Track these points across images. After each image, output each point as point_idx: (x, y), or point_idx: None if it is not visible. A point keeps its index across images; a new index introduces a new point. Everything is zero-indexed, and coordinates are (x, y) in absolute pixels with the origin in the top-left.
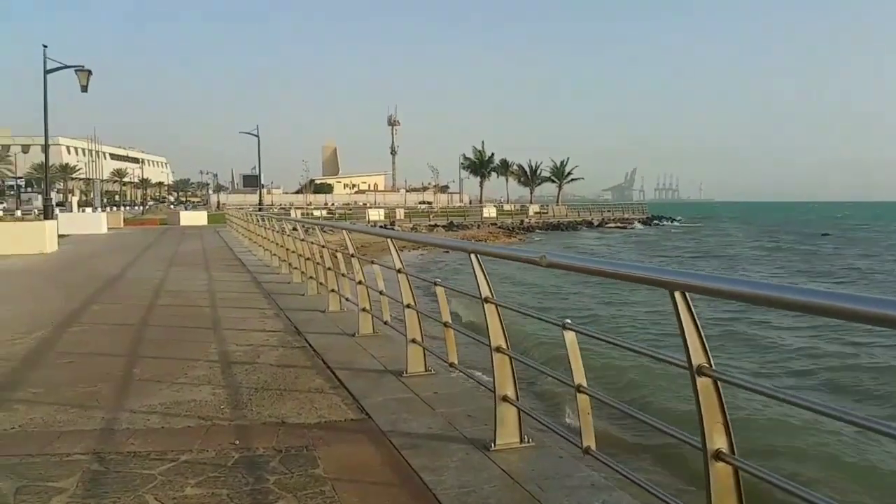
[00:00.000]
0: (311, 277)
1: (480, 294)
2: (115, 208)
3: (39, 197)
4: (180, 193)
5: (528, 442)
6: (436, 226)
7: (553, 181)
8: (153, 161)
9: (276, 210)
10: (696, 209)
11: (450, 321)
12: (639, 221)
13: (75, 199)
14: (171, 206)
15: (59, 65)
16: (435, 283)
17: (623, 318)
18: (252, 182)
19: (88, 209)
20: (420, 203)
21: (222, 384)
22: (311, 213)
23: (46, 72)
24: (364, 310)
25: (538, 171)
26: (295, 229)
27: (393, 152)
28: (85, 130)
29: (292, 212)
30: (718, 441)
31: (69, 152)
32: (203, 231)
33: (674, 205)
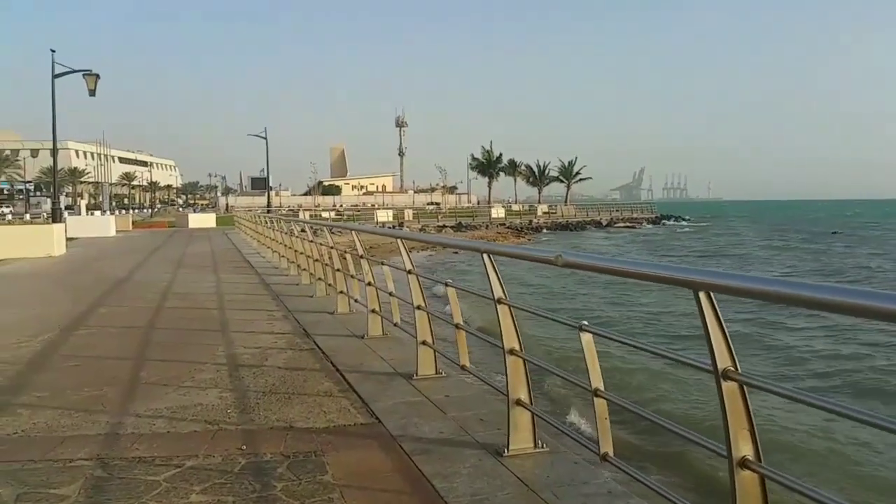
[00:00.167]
0: (319, 279)
1: (493, 295)
2: (123, 211)
3: (48, 201)
4: (189, 196)
5: (542, 447)
6: (444, 226)
7: (561, 181)
8: (162, 164)
9: (284, 212)
10: (704, 208)
11: (461, 323)
12: (647, 221)
13: (84, 203)
14: (180, 209)
15: (67, 69)
16: (446, 284)
17: (633, 320)
18: (260, 184)
19: (97, 212)
20: (428, 204)
21: (229, 387)
22: (320, 215)
23: (54, 76)
24: (373, 311)
25: (546, 171)
26: (303, 231)
27: (401, 153)
28: (94, 134)
29: (301, 213)
30: (744, 448)
31: (78, 156)
32: (211, 233)
33: (682, 204)
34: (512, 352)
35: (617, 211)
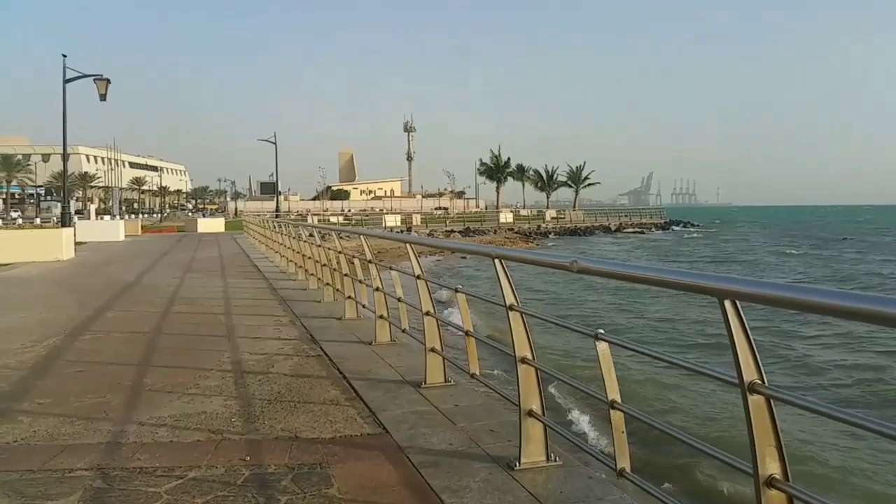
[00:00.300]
0: (327, 284)
1: (505, 301)
2: (133, 216)
3: (58, 205)
4: (198, 201)
5: (555, 461)
6: (452, 231)
7: (569, 186)
8: (172, 169)
9: (293, 216)
10: (713, 214)
11: (472, 330)
12: (657, 226)
13: (93, 207)
14: (189, 214)
15: (79, 74)
16: (456, 290)
17: (644, 327)
18: (269, 189)
19: (107, 217)
20: (436, 209)
21: (234, 395)
22: (328, 220)
23: (65, 81)
24: (381, 317)
25: (555, 177)
26: (311, 235)
27: (409, 158)
28: (105, 139)
29: (309, 218)
30: (771, 466)
31: (88, 161)
32: (220, 238)
33: (691, 209)
34: (524, 360)
35: (626, 216)
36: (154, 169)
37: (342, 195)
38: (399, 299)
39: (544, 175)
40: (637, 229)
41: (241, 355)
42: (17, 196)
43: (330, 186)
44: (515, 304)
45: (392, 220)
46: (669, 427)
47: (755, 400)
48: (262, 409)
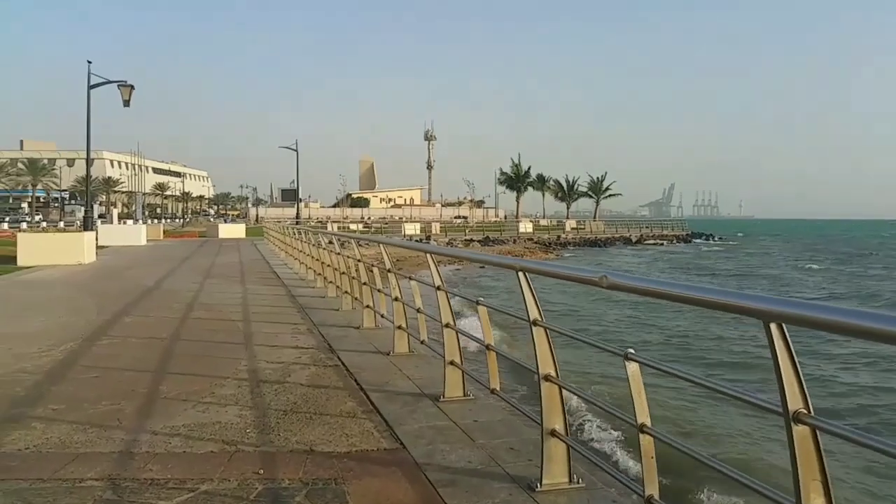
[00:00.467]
0: (346, 292)
1: (528, 316)
2: (156, 221)
3: (82, 209)
4: (220, 207)
5: (578, 483)
6: (472, 240)
7: (590, 196)
8: (195, 175)
9: (313, 223)
10: (735, 226)
11: (492, 343)
12: (678, 239)
13: (116, 212)
14: (211, 220)
15: (103, 80)
16: (477, 303)
17: (666, 345)
18: (290, 196)
19: (129, 221)
20: (455, 217)
21: (250, 405)
22: (348, 227)
23: (90, 87)
24: (400, 327)
25: (575, 187)
26: (331, 242)
27: (429, 167)
28: (129, 145)
29: (329, 225)
30: (816, 501)
31: (112, 166)
32: (241, 244)
33: (713, 221)
34: (547, 378)
35: (647, 227)
36: (177, 175)
37: (362, 203)
38: (418, 310)
39: (565, 185)
40: (658, 241)
41: (257, 363)
42: (42, 200)
43: (350, 194)
44: (539, 319)
45: (411, 229)
46: (704, 455)
47: (800, 430)
48: (278, 421)
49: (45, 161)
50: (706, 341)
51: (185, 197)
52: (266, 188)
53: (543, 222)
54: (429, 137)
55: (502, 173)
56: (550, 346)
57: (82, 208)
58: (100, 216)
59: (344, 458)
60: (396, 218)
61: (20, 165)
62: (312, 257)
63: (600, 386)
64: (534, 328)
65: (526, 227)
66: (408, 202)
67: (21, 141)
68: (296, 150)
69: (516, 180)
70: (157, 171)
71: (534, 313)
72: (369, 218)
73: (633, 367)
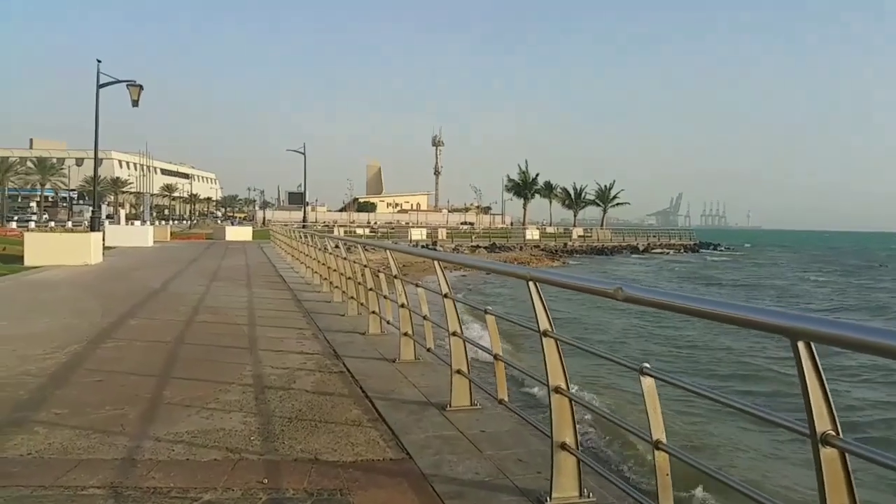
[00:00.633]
0: (351, 297)
1: (538, 327)
2: (163, 222)
3: (91, 209)
4: (228, 209)
5: (588, 497)
6: (478, 247)
7: (597, 204)
8: (202, 177)
9: (319, 227)
10: (742, 237)
11: (500, 353)
12: (686, 248)
13: (123, 212)
14: (219, 222)
15: (112, 79)
16: (486, 312)
17: (673, 357)
18: (297, 199)
19: (137, 222)
20: (462, 223)
21: (254, 411)
22: (354, 232)
23: (99, 86)
24: (406, 334)
25: (583, 195)
26: (337, 247)
27: (436, 172)
28: (138, 146)
29: (335, 229)
30: None
31: (121, 166)
32: (247, 246)
33: (720, 231)
34: (558, 390)
35: (654, 236)
36: (185, 176)
37: (369, 207)
38: (425, 317)
39: (572, 193)
40: (665, 250)
41: (262, 369)
42: (50, 199)
43: (357, 198)
44: (550, 330)
45: (418, 234)
46: (722, 474)
47: (828, 453)
48: (282, 428)
49: (55, 160)
50: (717, 352)
51: (193, 199)
52: (273, 191)
53: (550, 229)
54: (437, 143)
55: (509, 180)
56: (561, 358)
57: (90, 208)
58: (107, 217)
59: (349, 467)
60: (403, 223)
61: (29, 164)
62: (318, 261)
63: (604, 393)
64: (544, 339)
65: (532, 234)
66: (414, 207)
67: (31, 140)
68: (303, 154)
69: (523, 187)
70: (165, 172)
71: (544, 324)
72: (376, 223)
73: (648, 382)
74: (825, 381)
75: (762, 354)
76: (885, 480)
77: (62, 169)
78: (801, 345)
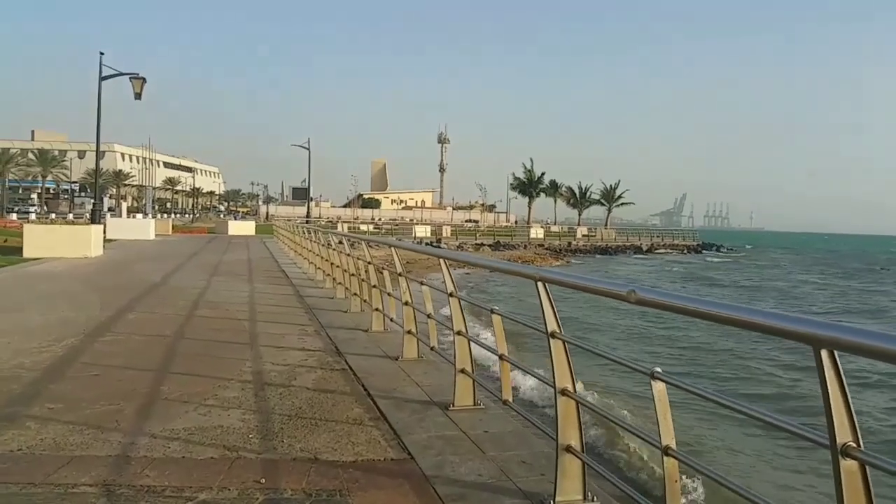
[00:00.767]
0: (354, 294)
1: (546, 328)
2: (165, 215)
3: (92, 201)
4: (231, 203)
5: (593, 500)
6: (482, 244)
7: (602, 204)
8: (206, 171)
9: (323, 223)
10: (745, 238)
11: (506, 354)
12: (689, 249)
13: (125, 205)
14: (221, 216)
15: (115, 71)
16: (492, 311)
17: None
18: (301, 195)
19: (139, 215)
20: (466, 221)
21: (253, 408)
22: (358, 228)
23: (101, 78)
24: (409, 332)
25: (588, 194)
26: (341, 243)
27: (442, 170)
28: (141, 139)
29: (339, 225)
30: None
31: (123, 159)
32: (250, 241)
33: (723, 233)
34: (564, 392)
35: (658, 237)
36: (188, 170)
37: (373, 204)
38: (429, 316)
39: (577, 192)
40: (668, 250)
41: (262, 365)
42: (52, 191)
43: (361, 195)
44: (558, 332)
45: (422, 231)
46: (734, 484)
47: (848, 465)
48: (282, 426)
49: (56, 152)
50: (720, 354)
51: (196, 192)
52: (277, 186)
53: (554, 228)
54: (442, 140)
55: (515, 178)
56: (568, 360)
57: (92, 201)
58: (109, 209)
59: (349, 467)
60: (407, 220)
61: (31, 156)
62: (322, 257)
63: (605, 394)
64: (552, 341)
65: (537, 232)
66: (419, 204)
67: (32, 131)
68: (308, 149)
69: (528, 186)
70: (168, 165)
71: (552, 325)
72: (380, 219)
73: (659, 387)
74: (847, 391)
75: (764, 358)
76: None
77: (64, 161)
78: (824, 353)
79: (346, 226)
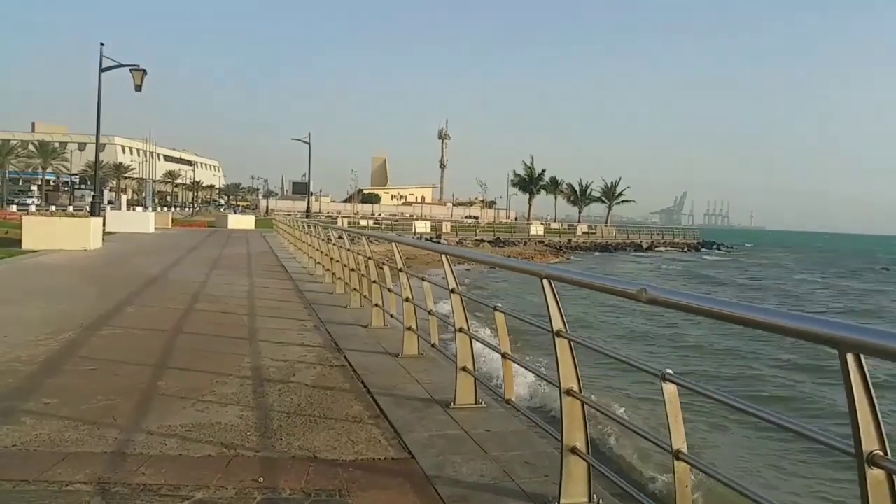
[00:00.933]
0: (354, 289)
1: (552, 327)
2: (165, 208)
3: (92, 194)
4: (231, 197)
5: (598, 503)
6: (482, 241)
7: (602, 201)
8: (206, 164)
9: (323, 217)
10: (746, 237)
11: (509, 352)
12: (689, 247)
13: (125, 198)
14: (222, 209)
15: (115, 63)
16: (495, 309)
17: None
18: (301, 189)
19: (138, 208)
20: (466, 217)
21: (251, 405)
22: (358, 223)
23: (101, 70)
24: (409, 329)
25: (588, 192)
26: (341, 238)
27: (442, 166)
28: (142, 131)
29: (339, 220)
30: None
31: (124, 152)
32: (250, 235)
33: (723, 231)
34: (569, 392)
35: (658, 234)
36: (189, 163)
37: (373, 199)
38: (430, 312)
39: (578, 189)
40: (667, 248)
41: (261, 361)
42: (52, 183)
43: (361, 189)
44: (563, 331)
45: (422, 227)
46: (749, 489)
47: (874, 474)
48: (280, 423)
49: (57, 144)
50: (722, 355)
51: (196, 186)
52: (277, 180)
53: (555, 225)
54: (443, 136)
55: (515, 175)
56: (574, 360)
57: (92, 193)
58: (109, 202)
59: (349, 467)
60: (407, 215)
61: (31, 148)
62: (322, 252)
63: (607, 395)
64: (557, 340)
65: (537, 229)
66: (419, 200)
67: (32, 123)
68: (308, 143)
69: (529, 182)
70: (168, 158)
71: (557, 324)
72: (380, 214)
73: (670, 389)
74: (874, 398)
75: (768, 358)
76: None
77: (64, 153)
78: (850, 357)
79: (345, 221)
